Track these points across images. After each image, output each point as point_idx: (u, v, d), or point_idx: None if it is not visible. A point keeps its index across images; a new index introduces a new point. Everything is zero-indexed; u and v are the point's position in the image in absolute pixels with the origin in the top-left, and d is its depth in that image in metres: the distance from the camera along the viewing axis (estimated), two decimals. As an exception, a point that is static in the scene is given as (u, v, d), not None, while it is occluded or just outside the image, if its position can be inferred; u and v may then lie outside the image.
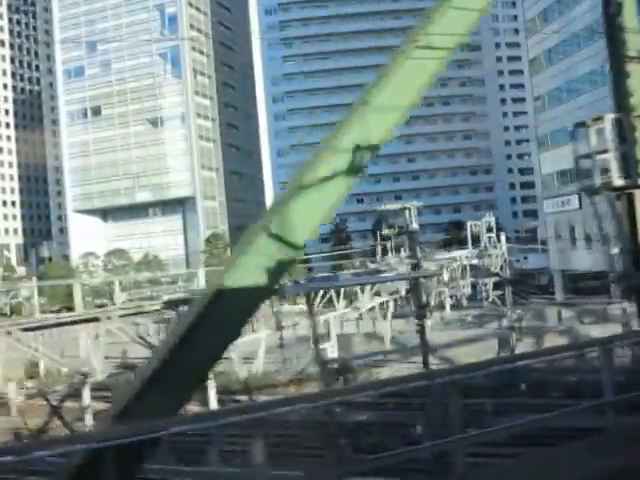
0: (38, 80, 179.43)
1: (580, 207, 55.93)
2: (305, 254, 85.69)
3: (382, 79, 7.47)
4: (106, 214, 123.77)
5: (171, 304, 32.29)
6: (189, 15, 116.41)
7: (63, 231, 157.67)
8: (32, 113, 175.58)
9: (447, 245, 76.54)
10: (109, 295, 65.93)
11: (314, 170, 7.27)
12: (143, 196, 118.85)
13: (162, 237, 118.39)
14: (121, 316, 32.14)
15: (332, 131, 7.48)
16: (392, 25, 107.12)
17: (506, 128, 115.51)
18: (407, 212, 36.50)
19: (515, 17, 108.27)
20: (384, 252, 58.07)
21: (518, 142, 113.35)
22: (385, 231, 55.39)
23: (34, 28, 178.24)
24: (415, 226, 35.35)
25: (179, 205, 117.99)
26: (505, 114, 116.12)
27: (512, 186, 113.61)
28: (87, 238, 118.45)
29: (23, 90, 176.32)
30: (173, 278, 70.88)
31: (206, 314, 6.90)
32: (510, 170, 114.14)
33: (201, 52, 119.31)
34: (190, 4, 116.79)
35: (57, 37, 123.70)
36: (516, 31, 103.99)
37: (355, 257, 66.83)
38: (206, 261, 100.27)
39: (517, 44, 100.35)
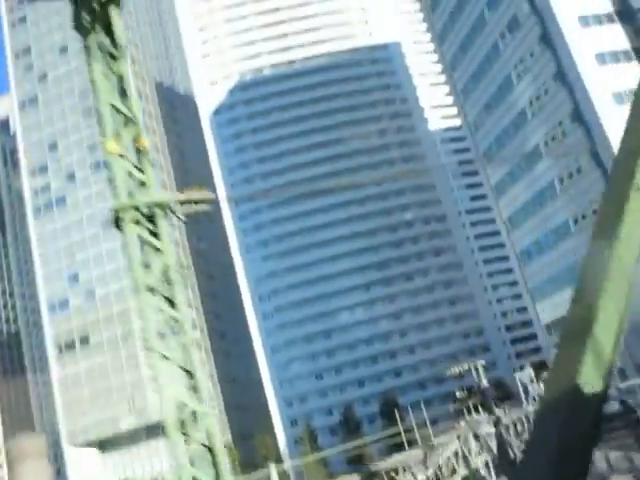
0: (16, 319, 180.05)
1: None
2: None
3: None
4: (104, 445, 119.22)
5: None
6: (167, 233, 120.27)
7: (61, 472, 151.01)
8: (11, 354, 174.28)
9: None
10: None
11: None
12: (139, 420, 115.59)
13: (166, 459, 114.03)
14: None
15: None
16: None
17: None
18: (475, 371, 36.59)
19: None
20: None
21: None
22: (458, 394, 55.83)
23: (7, 268, 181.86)
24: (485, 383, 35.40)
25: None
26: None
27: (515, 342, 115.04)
28: (87, 473, 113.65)
29: (1, 332, 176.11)
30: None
31: None
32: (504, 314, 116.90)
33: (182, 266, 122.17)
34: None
35: (39, 273, 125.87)
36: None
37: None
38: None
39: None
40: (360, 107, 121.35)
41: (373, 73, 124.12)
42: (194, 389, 10.84)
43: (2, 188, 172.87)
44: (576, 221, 64.36)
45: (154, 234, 11.79)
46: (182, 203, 12.09)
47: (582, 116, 57.79)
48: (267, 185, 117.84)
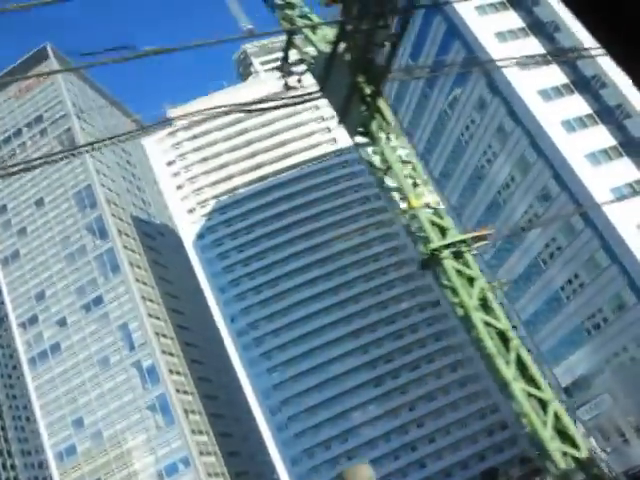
0: (17, 478, 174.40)
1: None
2: None
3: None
4: None
5: None
6: (166, 361, 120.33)
7: None
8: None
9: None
10: None
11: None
12: None
13: None
14: None
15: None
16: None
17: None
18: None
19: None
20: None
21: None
22: None
23: (2, 429, 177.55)
24: None
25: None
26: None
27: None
28: None
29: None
30: None
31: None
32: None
33: (185, 392, 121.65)
34: (164, 352, 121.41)
35: (41, 423, 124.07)
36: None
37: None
38: None
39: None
40: (337, 209, 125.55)
41: (344, 175, 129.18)
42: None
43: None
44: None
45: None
46: (473, 239, 15.05)
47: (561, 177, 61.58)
48: (260, 298, 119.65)
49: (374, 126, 15.52)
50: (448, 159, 79.43)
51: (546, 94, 64.15)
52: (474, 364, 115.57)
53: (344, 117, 15.76)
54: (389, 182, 15.93)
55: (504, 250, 74.51)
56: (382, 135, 15.54)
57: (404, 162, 15.76)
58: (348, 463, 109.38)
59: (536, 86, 63.96)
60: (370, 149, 15.99)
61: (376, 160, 16.00)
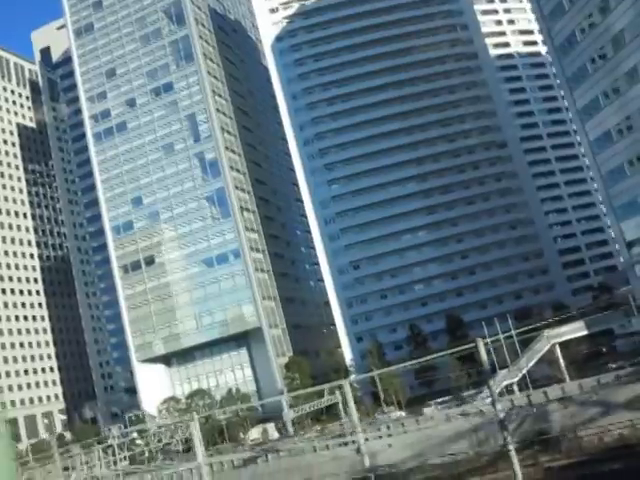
0: (61, 246, 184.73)
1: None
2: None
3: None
4: (170, 359, 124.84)
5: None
6: (228, 158, 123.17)
7: (107, 389, 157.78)
8: (59, 278, 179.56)
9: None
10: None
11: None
12: (205, 336, 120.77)
13: (230, 373, 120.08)
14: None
15: None
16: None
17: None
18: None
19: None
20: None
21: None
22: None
23: (52, 198, 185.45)
24: None
25: (243, 339, 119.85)
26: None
27: (566, 266, 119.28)
28: (153, 386, 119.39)
29: (49, 257, 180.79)
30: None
31: None
32: (562, 251, 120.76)
33: (242, 190, 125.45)
34: (227, 148, 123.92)
35: (102, 197, 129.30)
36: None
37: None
38: (288, 385, 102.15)
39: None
40: (421, 33, 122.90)
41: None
42: None
43: (47, 119, 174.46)
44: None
45: None
46: None
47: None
48: (331, 110, 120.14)
49: None
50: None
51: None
52: (528, 207, 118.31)
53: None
54: None
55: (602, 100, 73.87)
56: None
57: None
58: (390, 280, 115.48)
59: None
60: None
61: None
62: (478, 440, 45.93)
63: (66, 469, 44.73)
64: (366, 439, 38.67)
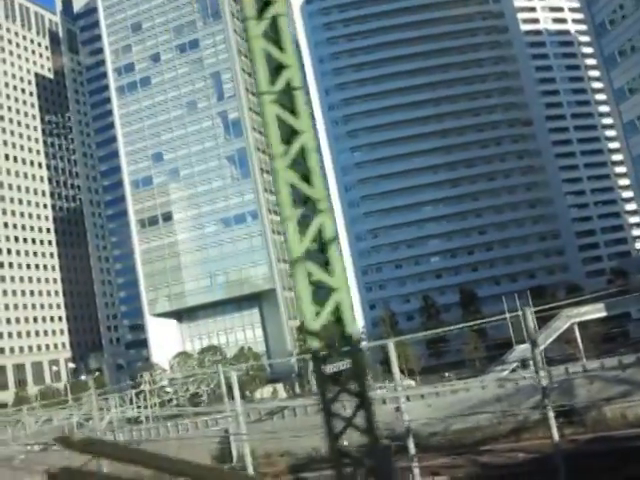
0: (74, 198, 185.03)
1: None
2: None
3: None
4: (181, 315, 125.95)
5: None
6: (251, 118, 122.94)
7: (113, 341, 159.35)
8: (71, 230, 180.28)
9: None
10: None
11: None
12: (218, 294, 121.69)
13: (240, 332, 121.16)
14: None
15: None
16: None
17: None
18: None
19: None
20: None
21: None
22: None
23: (67, 149, 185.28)
24: None
25: (255, 299, 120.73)
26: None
27: (581, 248, 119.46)
28: (164, 341, 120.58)
29: (62, 208, 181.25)
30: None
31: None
32: (578, 234, 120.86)
33: (263, 152, 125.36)
34: (250, 109, 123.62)
35: (122, 150, 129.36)
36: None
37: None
38: (299, 349, 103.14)
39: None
40: (452, 4, 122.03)
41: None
42: None
43: (66, 70, 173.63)
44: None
45: None
46: None
47: None
48: (358, 77, 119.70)
49: None
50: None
51: None
52: (550, 187, 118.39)
53: None
54: None
55: None
56: None
57: None
58: (407, 250, 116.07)
59: None
60: None
61: None
62: (509, 406, 47.09)
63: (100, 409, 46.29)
64: (407, 398, 39.70)
